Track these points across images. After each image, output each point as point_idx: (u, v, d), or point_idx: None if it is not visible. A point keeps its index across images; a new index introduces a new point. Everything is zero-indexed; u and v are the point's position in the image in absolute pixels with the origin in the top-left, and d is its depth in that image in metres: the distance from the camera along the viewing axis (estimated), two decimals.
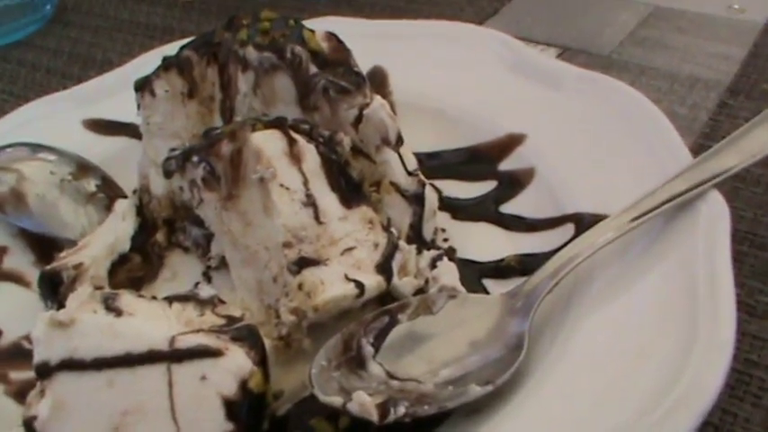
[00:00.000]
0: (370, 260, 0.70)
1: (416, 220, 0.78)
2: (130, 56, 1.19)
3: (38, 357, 0.60)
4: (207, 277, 0.82)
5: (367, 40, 0.95)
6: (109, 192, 0.90)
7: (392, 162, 0.78)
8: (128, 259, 0.84)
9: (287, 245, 0.69)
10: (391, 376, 0.64)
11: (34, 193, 0.87)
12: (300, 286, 0.67)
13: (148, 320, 0.63)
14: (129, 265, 0.83)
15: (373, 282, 0.69)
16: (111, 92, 1.03)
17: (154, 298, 0.67)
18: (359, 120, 0.77)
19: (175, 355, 0.60)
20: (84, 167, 0.91)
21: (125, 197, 0.90)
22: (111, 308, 0.63)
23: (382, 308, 0.70)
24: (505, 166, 0.88)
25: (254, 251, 0.72)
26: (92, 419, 0.59)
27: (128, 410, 0.59)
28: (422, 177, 0.80)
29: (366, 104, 0.77)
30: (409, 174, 0.79)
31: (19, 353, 0.75)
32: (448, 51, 1.01)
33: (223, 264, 0.79)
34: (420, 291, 0.73)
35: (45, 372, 0.60)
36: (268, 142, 0.72)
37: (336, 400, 0.60)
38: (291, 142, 0.72)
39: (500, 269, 0.78)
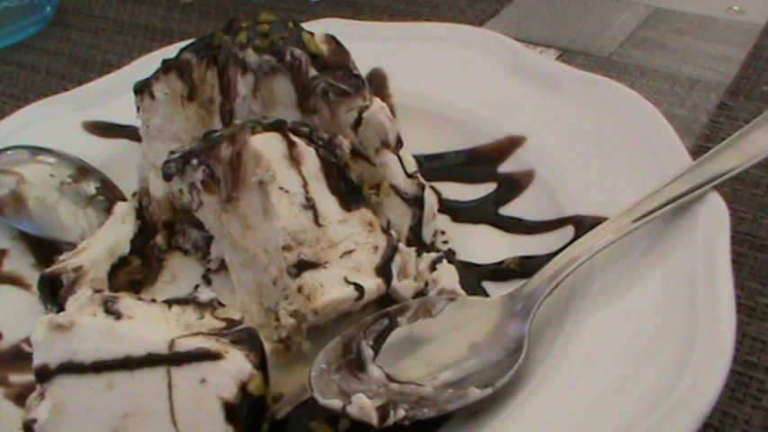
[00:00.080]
0: (369, 263, 0.70)
1: (416, 223, 0.78)
2: (130, 57, 1.20)
3: (37, 360, 0.61)
4: (206, 280, 0.82)
5: (366, 42, 0.95)
6: (108, 194, 0.90)
7: (392, 164, 0.78)
8: (127, 262, 0.84)
9: (286, 248, 0.69)
10: (391, 379, 0.64)
11: (34, 196, 0.87)
12: (300, 289, 0.67)
13: (148, 323, 0.63)
14: (128, 268, 0.83)
15: (373, 284, 0.69)
16: (111, 94, 1.03)
17: (153, 301, 0.67)
18: (358, 122, 0.77)
19: (175, 358, 0.60)
20: (83, 170, 0.92)
21: (125, 200, 0.90)
22: (111, 311, 0.63)
23: (382, 310, 0.70)
24: (505, 168, 0.88)
25: (253, 254, 0.72)
26: (91, 422, 0.60)
27: (127, 413, 0.60)
28: (421, 180, 0.80)
29: (365, 107, 0.77)
30: (409, 176, 0.79)
31: (19, 356, 0.75)
32: (447, 53, 1.01)
33: (223, 266, 0.79)
34: (420, 293, 0.73)
35: (45, 375, 0.60)
36: (267, 145, 0.72)
37: (336, 403, 0.60)
38: (291, 145, 0.72)
39: (500, 271, 0.78)
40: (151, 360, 0.60)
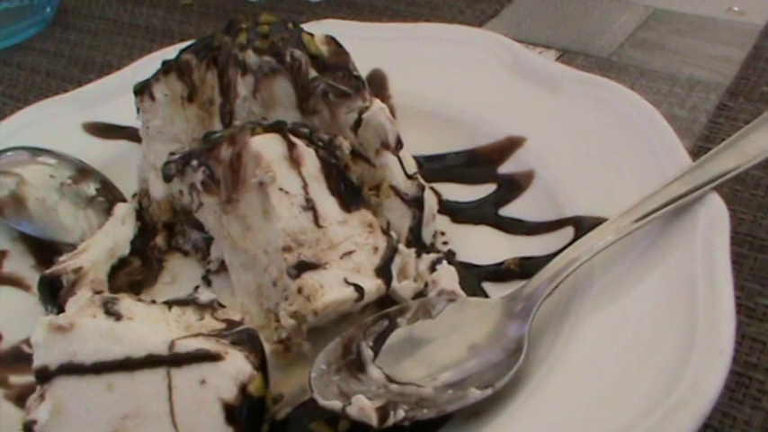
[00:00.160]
0: (369, 264, 0.70)
1: (416, 224, 0.78)
2: (130, 59, 1.20)
3: (37, 361, 0.61)
4: (206, 281, 0.82)
5: (366, 43, 0.95)
6: (108, 195, 0.90)
7: (392, 165, 0.78)
8: (127, 263, 0.84)
9: (286, 249, 0.69)
10: (391, 380, 0.64)
11: (34, 197, 0.87)
12: (300, 290, 0.67)
13: (148, 324, 0.63)
14: (128, 269, 0.83)
15: (373, 285, 0.69)
16: (111, 95, 1.02)
17: (153, 302, 0.67)
18: (358, 123, 0.77)
19: (175, 360, 0.60)
20: (83, 171, 0.92)
21: (125, 201, 0.90)
22: (111, 312, 0.63)
23: (382, 311, 0.70)
24: (505, 169, 0.88)
25: (253, 255, 0.72)
26: (91, 423, 0.60)
27: (127, 414, 0.60)
28: (421, 181, 0.80)
29: (365, 108, 0.77)
30: (409, 177, 0.79)
31: (19, 357, 0.75)
32: (447, 54, 1.01)
33: (223, 268, 0.79)
34: (420, 294, 0.73)
35: (45, 376, 0.60)
36: (267, 146, 0.72)
37: (336, 404, 0.60)
38: (291, 146, 0.72)
39: (499, 272, 0.78)
40: (151, 361, 0.60)
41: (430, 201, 0.80)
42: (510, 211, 0.85)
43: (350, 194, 0.74)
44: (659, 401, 0.55)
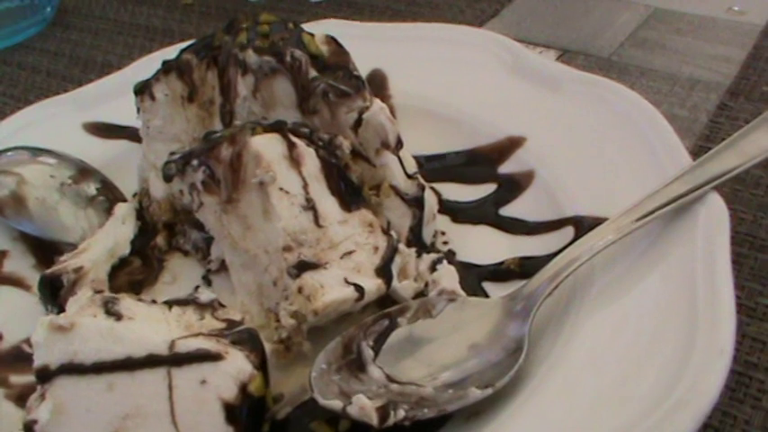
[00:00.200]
0: (369, 263, 0.70)
1: (416, 224, 0.78)
2: (130, 58, 1.20)
3: (38, 361, 0.61)
4: (207, 281, 0.82)
5: (366, 42, 0.95)
6: (109, 195, 0.90)
7: (392, 165, 0.78)
8: (128, 263, 0.84)
9: (287, 248, 0.69)
10: (391, 380, 0.64)
11: (34, 197, 0.87)
12: (300, 290, 0.67)
13: (148, 324, 0.63)
14: (129, 269, 0.83)
15: (373, 285, 0.69)
16: (112, 95, 1.02)
17: (154, 302, 0.67)
18: (358, 123, 0.77)
19: (175, 359, 0.60)
20: (84, 171, 0.92)
21: (125, 201, 0.90)
22: (112, 312, 0.63)
23: (382, 311, 0.70)
24: (505, 168, 0.88)
25: (253, 255, 0.72)
26: (92, 423, 0.60)
27: (128, 414, 0.60)
28: (421, 180, 0.80)
29: (366, 108, 0.77)
30: (409, 177, 0.79)
31: (19, 357, 0.75)
32: (447, 54, 1.01)
33: (223, 267, 0.79)
34: (420, 294, 0.73)
35: (45, 376, 0.60)
36: (268, 146, 0.72)
37: (336, 404, 0.60)
38: (291, 146, 0.72)
39: (500, 272, 0.78)
40: (152, 361, 0.60)
41: (430, 200, 0.80)
42: (510, 210, 0.85)
43: (350, 194, 0.74)
44: (660, 401, 0.55)
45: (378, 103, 0.78)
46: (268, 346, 0.66)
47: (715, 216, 0.67)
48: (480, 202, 0.87)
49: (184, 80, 0.83)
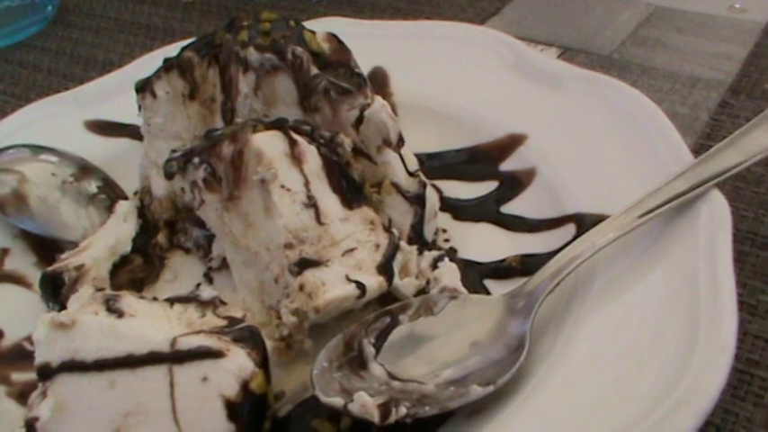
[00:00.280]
0: (371, 261, 0.70)
1: (418, 221, 0.78)
2: (132, 57, 1.20)
3: (39, 359, 0.61)
4: (208, 278, 0.82)
5: (368, 40, 0.95)
6: (110, 193, 0.90)
7: (393, 163, 0.78)
8: (129, 260, 0.84)
9: (288, 246, 0.69)
10: (392, 377, 0.64)
11: (36, 195, 0.87)
12: (302, 287, 0.68)
13: (150, 322, 0.63)
14: (130, 267, 0.84)
15: (374, 283, 0.69)
16: (113, 93, 1.03)
17: (155, 299, 0.67)
18: (360, 121, 0.77)
19: (177, 357, 0.60)
20: (85, 169, 0.92)
21: (126, 198, 0.90)
22: (113, 309, 0.63)
23: (383, 309, 0.70)
24: (506, 166, 0.88)
25: (255, 252, 0.72)
26: (93, 421, 0.60)
27: (129, 411, 0.60)
28: (423, 178, 0.80)
29: (367, 105, 0.77)
30: (410, 174, 0.79)
31: (20, 354, 0.75)
32: (449, 52, 1.02)
33: (224, 265, 0.79)
34: (421, 291, 0.73)
35: (47, 373, 0.60)
36: (269, 144, 0.72)
37: (338, 401, 0.60)
38: (292, 143, 0.72)
39: (501, 269, 0.78)
40: (153, 358, 0.60)
41: (431, 198, 0.80)
42: (511, 208, 0.85)
43: (351, 192, 0.74)
44: (661, 398, 0.55)
45: (379, 100, 0.78)
46: (269, 344, 0.66)
47: (716, 213, 0.67)
48: (481, 199, 0.87)
49: (186, 78, 0.83)
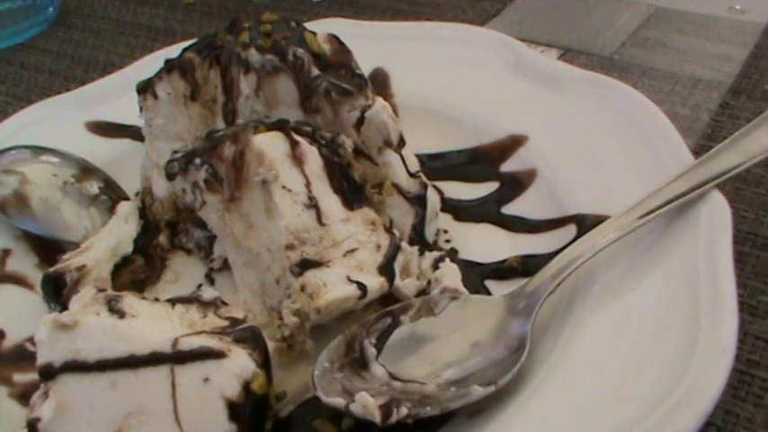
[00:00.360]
0: (372, 262, 0.71)
1: (418, 222, 0.79)
2: (133, 58, 1.20)
3: (41, 359, 0.61)
4: (209, 279, 0.82)
5: (369, 41, 0.95)
6: (111, 194, 0.90)
7: (394, 164, 0.78)
8: (130, 261, 0.84)
9: (289, 247, 0.69)
10: (394, 377, 0.64)
11: (37, 196, 0.87)
12: (303, 288, 0.68)
13: (151, 322, 0.63)
14: (131, 268, 0.84)
15: (376, 283, 0.69)
16: (114, 94, 1.03)
17: (157, 300, 0.67)
18: (361, 122, 0.77)
19: (178, 357, 0.60)
20: (86, 170, 0.92)
21: (128, 199, 0.90)
22: (115, 310, 0.63)
23: (385, 309, 0.70)
24: (507, 167, 0.88)
25: (256, 253, 0.72)
26: (95, 421, 0.60)
27: (131, 412, 0.60)
28: (424, 179, 0.80)
29: (368, 106, 0.77)
30: (411, 175, 0.79)
31: (22, 355, 0.75)
32: (449, 53, 1.02)
33: (226, 266, 0.79)
34: (422, 292, 0.73)
35: (48, 374, 0.60)
36: (270, 144, 0.72)
37: (339, 402, 0.61)
38: (294, 144, 0.73)
39: (502, 270, 0.78)
40: (155, 359, 0.60)
41: (432, 199, 0.81)
42: (512, 209, 0.85)
43: (352, 192, 0.74)
44: (662, 399, 0.55)
45: (380, 101, 0.78)
46: (271, 345, 0.67)
47: (717, 214, 0.67)
48: (482, 200, 0.87)
49: (187, 79, 0.83)
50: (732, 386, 0.66)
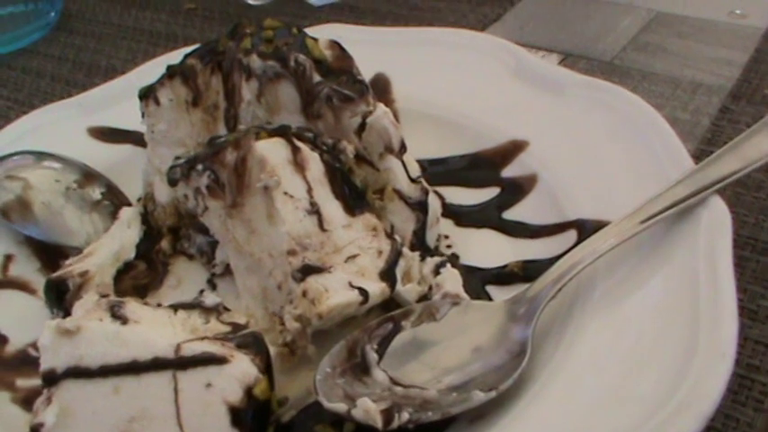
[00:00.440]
0: (373, 267, 0.71)
1: (420, 227, 0.79)
2: (134, 63, 1.20)
3: (44, 365, 0.61)
4: (212, 285, 0.82)
5: (370, 47, 0.95)
6: (114, 199, 0.91)
7: (395, 169, 0.78)
8: (133, 267, 0.84)
9: (291, 252, 0.69)
10: (395, 383, 0.64)
11: (40, 201, 0.88)
12: (305, 293, 0.68)
13: (154, 328, 0.63)
14: (134, 273, 0.84)
15: (377, 289, 0.69)
16: (116, 100, 1.03)
17: (159, 305, 0.67)
18: (362, 127, 0.78)
19: (181, 363, 0.61)
20: (89, 175, 0.92)
21: (130, 205, 0.90)
22: (117, 315, 0.63)
23: (386, 315, 0.70)
24: (508, 172, 0.88)
25: (258, 259, 0.72)
26: (98, 426, 0.60)
27: (134, 417, 0.60)
28: (425, 184, 0.80)
29: (369, 112, 0.78)
30: (412, 181, 0.79)
31: (25, 360, 0.75)
32: (450, 58, 1.02)
33: (228, 271, 0.79)
34: (424, 297, 0.73)
35: (51, 379, 0.61)
36: (272, 150, 0.72)
37: (341, 407, 0.61)
38: (295, 150, 0.73)
39: (503, 275, 0.78)
40: (157, 364, 0.61)
41: (434, 204, 0.81)
42: (513, 214, 0.85)
43: (354, 198, 0.74)
44: (662, 404, 0.55)
45: (381, 107, 0.79)
46: (273, 350, 0.67)
47: (717, 219, 0.68)
48: (483, 205, 0.87)
49: (189, 85, 0.83)
50: (732, 390, 0.66)
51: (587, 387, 0.60)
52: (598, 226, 0.72)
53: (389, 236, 0.74)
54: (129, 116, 0.92)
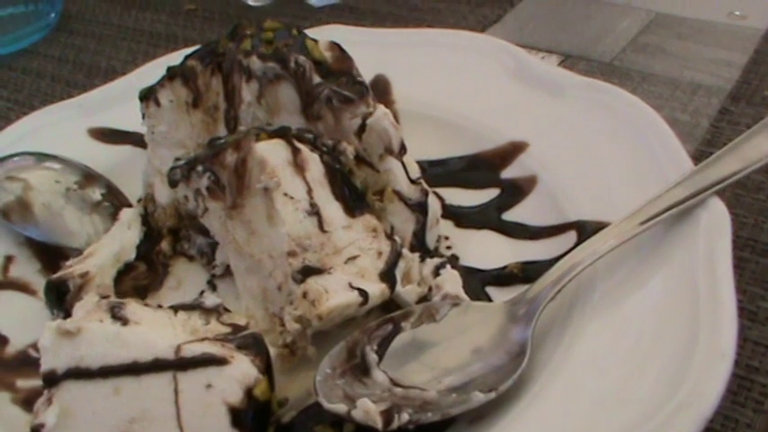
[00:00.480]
0: (373, 268, 0.71)
1: (419, 228, 0.79)
2: (134, 64, 1.20)
3: (45, 366, 0.61)
4: (212, 286, 0.82)
5: (370, 48, 0.95)
6: (114, 201, 0.91)
7: (395, 170, 0.79)
8: (133, 268, 0.84)
9: (291, 253, 0.69)
10: (395, 383, 0.64)
11: (40, 202, 0.88)
12: (305, 294, 0.68)
13: (154, 329, 0.63)
14: (134, 274, 0.84)
15: (377, 290, 0.69)
16: (116, 101, 1.03)
17: (159, 307, 0.68)
18: (362, 129, 0.78)
19: (181, 364, 0.61)
20: (89, 176, 0.92)
21: (130, 206, 0.90)
22: (118, 316, 0.63)
23: (386, 316, 0.70)
24: (508, 173, 0.88)
25: (258, 260, 0.72)
26: (98, 427, 0.60)
27: (134, 418, 0.60)
28: (425, 185, 0.80)
29: (369, 113, 0.78)
30: (412, 182, 0.79)
31: (26, 361, 0.76)
32: (450, 59, 1.02)
33: (228, 272, 0.79)
34: (423, 298, 0.73)
35: (52, 380, 0.61)
36: (272, 152, 0.72)
37: (341, 408, 0.61)
38: (295, 151, 0.73)
39: (503, 277, 0.78)
40: (158, 365, 0.61)
41: (433, 205, 0.81)
42: (513, 215, 0.85)
43: (354, 199, 0.75)
44: (661, 404, 0.55)
45: (381, 108, 0.79)
46: (273, 351, 0.67)
47: (716, 220, 0.68)
48: (483, 206, 0.87)
49: (189, 86, 0.83)
50: (732, 391, 0.66)
51: (587, 388, 0.61)
52: (598, 227, 0.72)
53: (389, 237, 0.74)
54: (129, 117, 0.92)
